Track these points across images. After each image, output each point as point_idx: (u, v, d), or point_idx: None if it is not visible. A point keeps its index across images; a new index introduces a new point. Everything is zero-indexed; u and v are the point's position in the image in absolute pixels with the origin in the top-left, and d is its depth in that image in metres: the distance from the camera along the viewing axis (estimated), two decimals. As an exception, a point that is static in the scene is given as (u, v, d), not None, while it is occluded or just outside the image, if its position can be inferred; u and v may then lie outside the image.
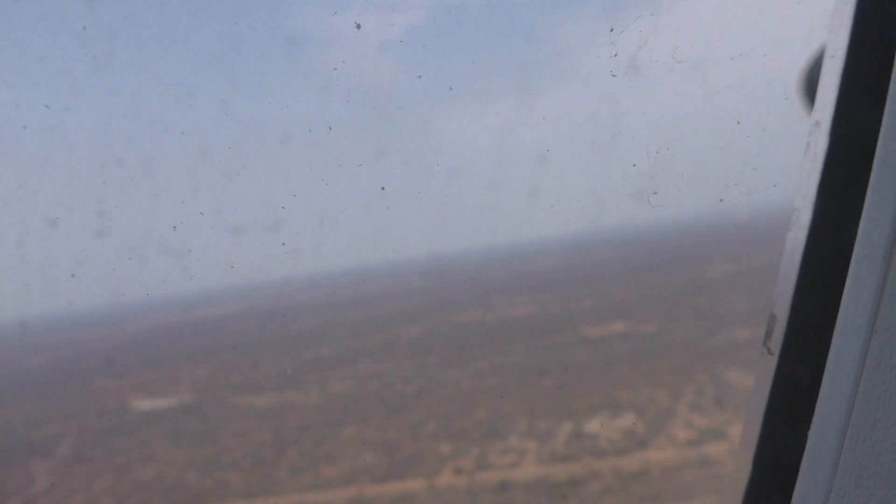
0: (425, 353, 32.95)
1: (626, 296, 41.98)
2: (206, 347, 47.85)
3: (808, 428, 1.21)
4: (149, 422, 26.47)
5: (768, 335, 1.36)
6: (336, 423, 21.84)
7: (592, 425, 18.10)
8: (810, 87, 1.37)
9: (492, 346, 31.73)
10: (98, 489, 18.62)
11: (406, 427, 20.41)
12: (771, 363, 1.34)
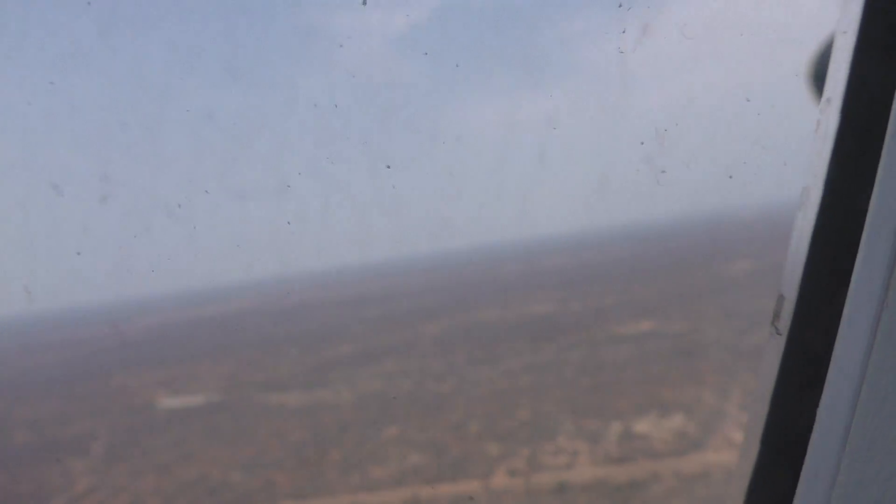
0: (451, 351, 32.81)
1: (648, 294, 41.81)
2: (223, 344, 47.76)
3: (816, 406, 1.22)
4: (180, 420, 26.35)
5: (776, 316, 1.36)
6: (375, 423, 21.71)
7: (642, 426, 17.98)
8: (820, 73, 1.36)
9: (519, 345, 31.60)
10: (142, 489, 18.49)
11: (448, 427, 20.28)
12: (779, 344, 1.33)
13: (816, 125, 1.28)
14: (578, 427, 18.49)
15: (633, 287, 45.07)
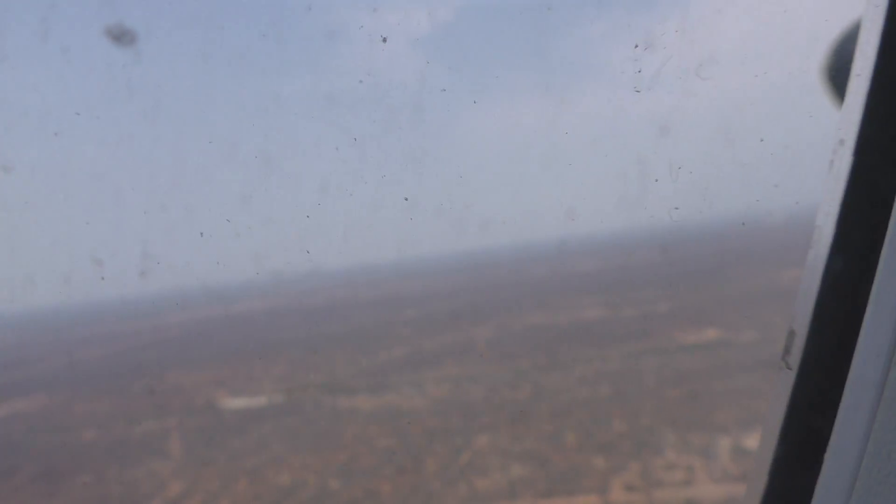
0: (512, 356, 32.48)
1: (699, 301, 41.30)
2: (266, 343, 47.64)
3: (826, 445, 1.21)
4: (250, 421, 26.16)
5: (787, 350, 1.38)
6: (462, 431, 21.41)
7: (753, 441, 17.59)
8: (833, 70, 1.37)
9: (582, 351, 31.24)
10: (239, 494, 18.27)
11: (542, 437, 19.96)
12: (789, 378, 1.35)
13: (829, 165, 1.30)
14: (684, 441, 18.12)
15: (681, 293, 44.58)
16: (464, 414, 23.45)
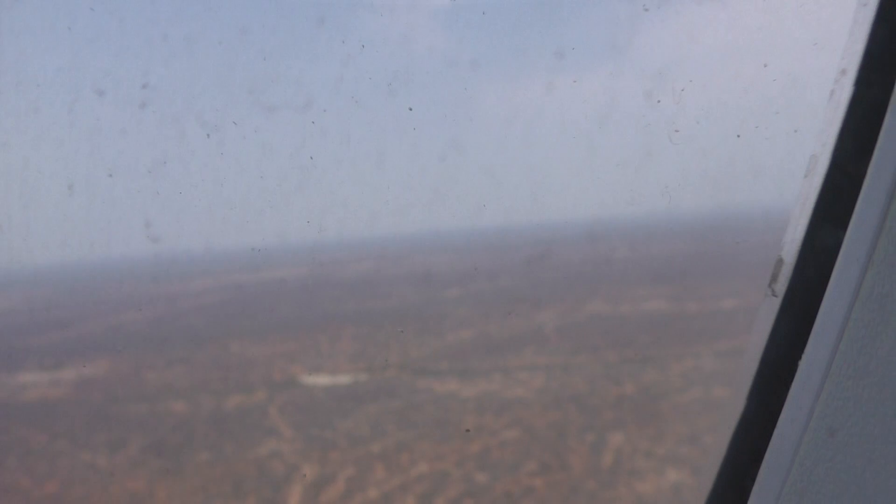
0: (592, 347, 32.18)
1: (761, 297, 40.96)
2: (318, 315, 47.14)
3: (800, 356, 1.32)
4: (347, 401, 25.74)
5: (774, 278, 1.46)
6: (589, 427, 21.05)
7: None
8: None
9: (666, 347, 30.97)
10: (385, 483, 17.86)
11: (681, 439, 19.64)
12: (774, 304, 1.44)
13: (830, 95, 1.28)
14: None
15: (742, 288, 44.27)
16: (578, 408, 23.09)
